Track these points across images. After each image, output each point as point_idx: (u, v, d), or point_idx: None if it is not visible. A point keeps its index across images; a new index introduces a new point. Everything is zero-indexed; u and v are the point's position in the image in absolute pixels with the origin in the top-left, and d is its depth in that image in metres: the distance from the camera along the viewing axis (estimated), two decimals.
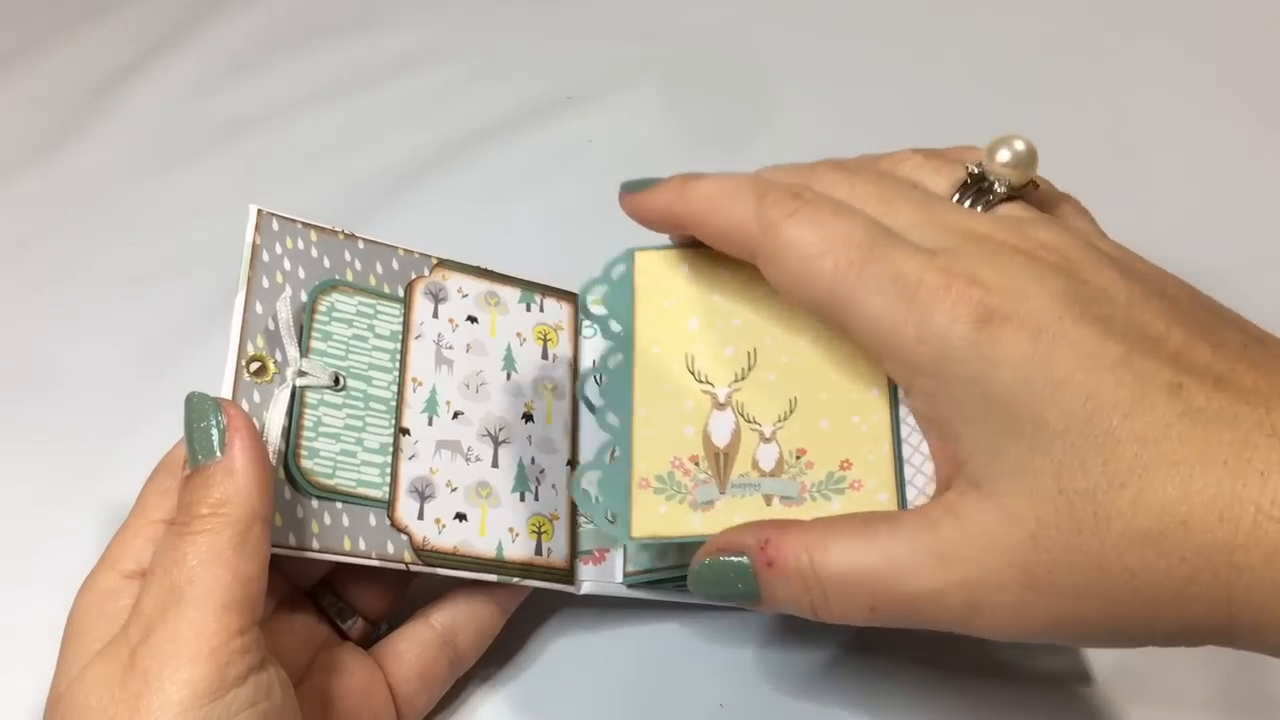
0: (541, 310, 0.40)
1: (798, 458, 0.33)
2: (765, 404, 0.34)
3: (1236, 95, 0.54)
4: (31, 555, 0.42)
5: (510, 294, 0.40)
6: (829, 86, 0.56)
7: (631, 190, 0.34)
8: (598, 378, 0.37)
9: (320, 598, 0.37)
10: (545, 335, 0.40)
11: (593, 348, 0.41)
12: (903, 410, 0.33)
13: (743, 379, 0.35)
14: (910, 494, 0.32)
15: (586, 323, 0.41)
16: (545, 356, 0.40)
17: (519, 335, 0.40)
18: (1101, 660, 0.39)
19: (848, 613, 0.29)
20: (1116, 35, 0.57)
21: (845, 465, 0.33)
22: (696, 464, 0.34)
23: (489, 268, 0.40)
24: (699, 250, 0.36)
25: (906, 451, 0.33)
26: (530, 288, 0.41)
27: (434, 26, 0.59)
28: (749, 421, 0.34)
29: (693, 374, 0.35)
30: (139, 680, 0.28)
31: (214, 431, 0.31)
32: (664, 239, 0.37)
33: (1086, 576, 0.26)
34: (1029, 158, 0.31)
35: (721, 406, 0.34)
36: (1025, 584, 0.27)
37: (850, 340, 0.30)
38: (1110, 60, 0.56)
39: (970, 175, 0.31)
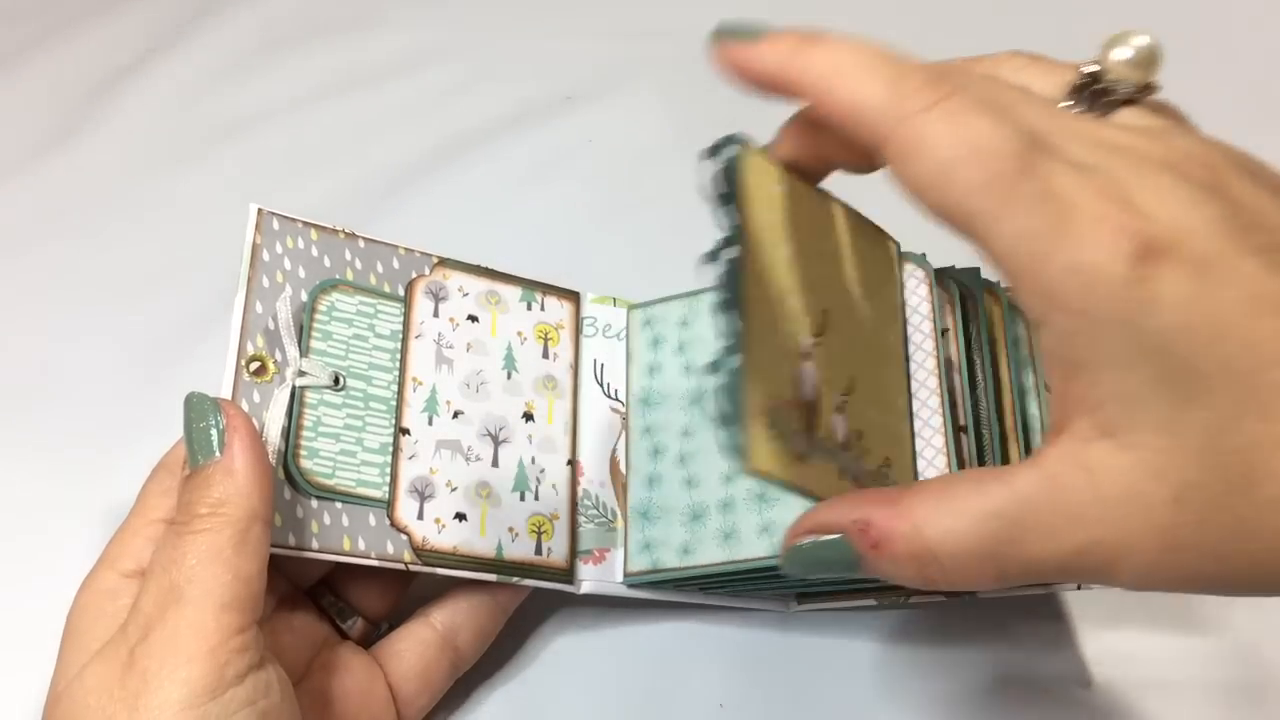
0: (542, 309, 0.40)
1: (859, 439, 0.30)
2: (835, 372, 0.30)
3: (1237, 96, 0.54)
4: (31, 555, 0.42)
5: (511, 293, 0.40)
6: None
7: (729, 37, 0.28)
8: (723, 266, 0.29)
9: (320, 597, 0.37)
10: (546, 334, 0.40)
11: (594, 347, 0.41)
12: (917, 423, 0.33)
13: (821, 335, 0.30)
14: None
15: (588, 321, 0.41)
16: (546, 356, 0.40)
17: (519, 334, 0.40)
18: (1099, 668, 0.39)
19: (974, 582, 0.26)
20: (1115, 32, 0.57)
21: (887, 463, 0.31)
22: (791, 411, 0.29)
23: (489, 267, 0.40)
24: (790, 176, 0.31)
25: (921, 465, 0.33)
26: (531, 286, 0.41)
27: (434, 26, 0.59)
28: (825, 384, 0.30)
29: (785, 312, 0.30)
30: (137, 679, 0.28)
31: (213, 432, 0.31)
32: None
33: (1234, 537, 0.24)
34: (1151, 55, 0.27)
35: (805, 356, 0.30)
36: (1164, 546, 0.24)
37: (989, 259, 0.25)
38: None
39: (1083, 77, 0.28)
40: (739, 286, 0.28)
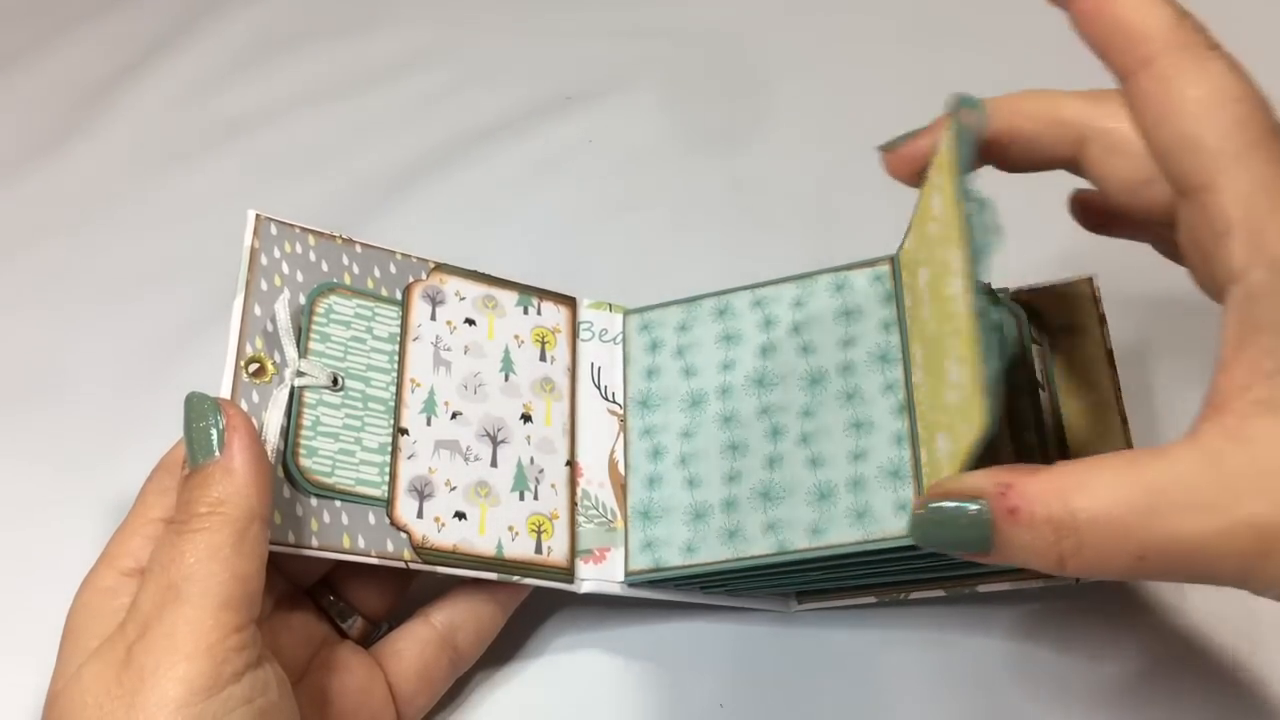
0: (539, 314, 0.40)
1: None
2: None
3: None
4: (32, 554, 0.42)
5: (508, 297, 0.40)
6: (829, 86, 0.56)
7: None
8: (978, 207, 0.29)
9: (320, 597, 0.37)
10: (543, 338, 0.40)
11: (591, 351, 0.41)
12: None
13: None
14: None
15: (584, 326, 0.41)
16: (543, 359, 0.40)
17: (517, 338, 0.40)
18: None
19: (1107, 562, 0.25)
20: None
21: None
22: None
23: (488, 269, 0.40)
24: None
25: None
26: (528, 291, 0.41)
27: (434, 27, 0.59)
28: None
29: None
30: (135, 677, 0.28)
31: (213, 431, 0.31)
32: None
33: None
34: None
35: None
36: None
37: (1203, 202, 0.25)
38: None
39: None
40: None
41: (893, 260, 0.37)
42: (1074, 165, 0.31)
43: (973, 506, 0.26)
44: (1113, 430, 0.35)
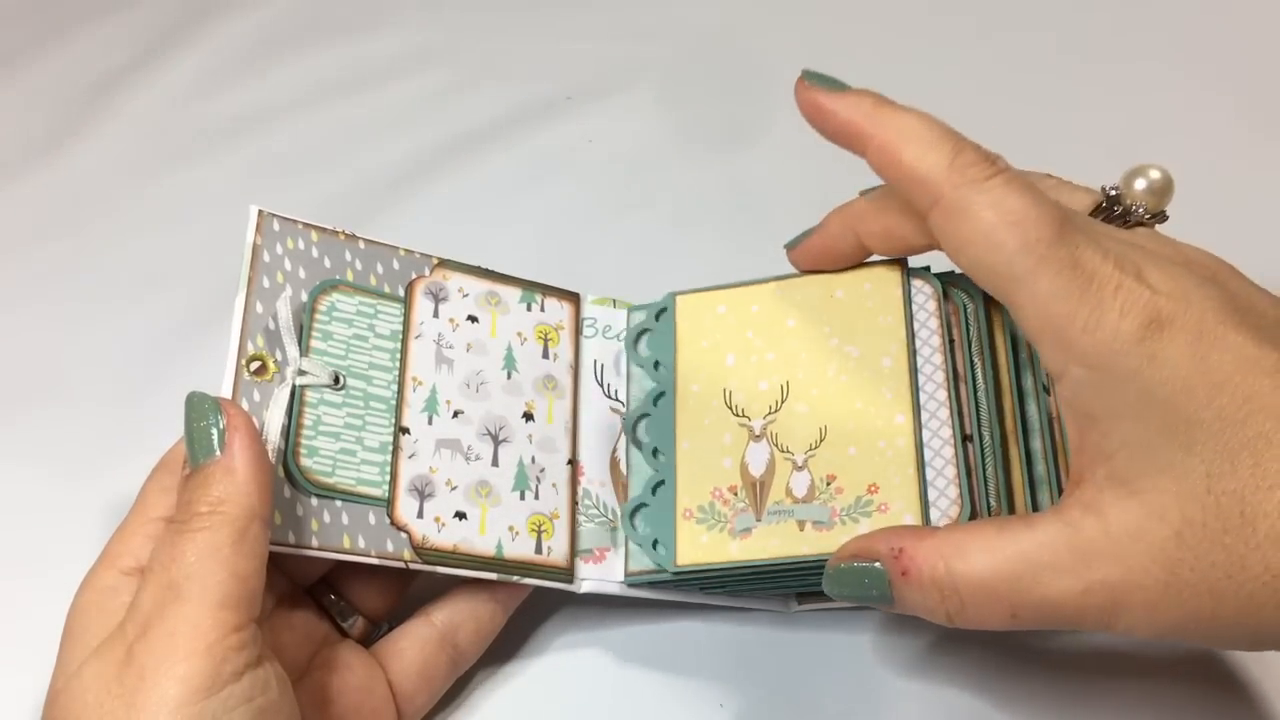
0: (542, 310, 0.40)
1: (828, 483, 0.35)
2: (797, 433, 0.36)
3: (1237, 98, 0.54)
4: (32, 553, 0.42)
5: (511, 294, 0.40)
6: None
7: (815, 83, 0.33)
8: (636, 420, 0.39)
9: (321, 596, 0.37)
10: (546, 335, 0.40)
11: (594, 348, 0.41)
12: (926, 434, 0.34)
13: (776, 410, 0.36)
14: (934, 515, 0.33)
15: (587, 322, 0.41)
16: (546, 356, 0.40)
17: (519, 335, 0.40)
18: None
19: (986, 619, 0.29)
20: (1117, 38, 0.57)
21: (872, 489, 0.34)
22: (735, 494, 0.36)
23: (489, 268, 0.40)
24: (734, 289, 0.38)
25: (930, 474, 0.34)
26: (531, 287, 0.41)
27: (433, 27, 0.59)
28: (782, 451, 0.36)
29: (730, 408, 0.37)
30: (135, 676, 0.28)
31: (214, 431, 0.31)
32: (700, 280, 0.39)
33: (1228, 575, 0.26)
34: (1165, 186, 0.32)
35: (757, 438, 0.36)
36: (1166, 582, 0.27)
37: (1015, 314, 0.29)
38: (1111, 63, 0.56)
39: (1107, 198, 0.32)
40: (664, 428, 0.37)
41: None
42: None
43: (875, 566, 0.30)
44: None
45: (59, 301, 0.49)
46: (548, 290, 0.41)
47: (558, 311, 0.41)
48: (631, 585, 0.38)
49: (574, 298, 0.41)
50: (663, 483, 0.37)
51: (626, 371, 0.40)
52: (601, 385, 0.40)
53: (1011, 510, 0.34)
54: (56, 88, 0.57)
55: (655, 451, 0.38)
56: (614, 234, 0.51)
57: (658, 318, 0.40)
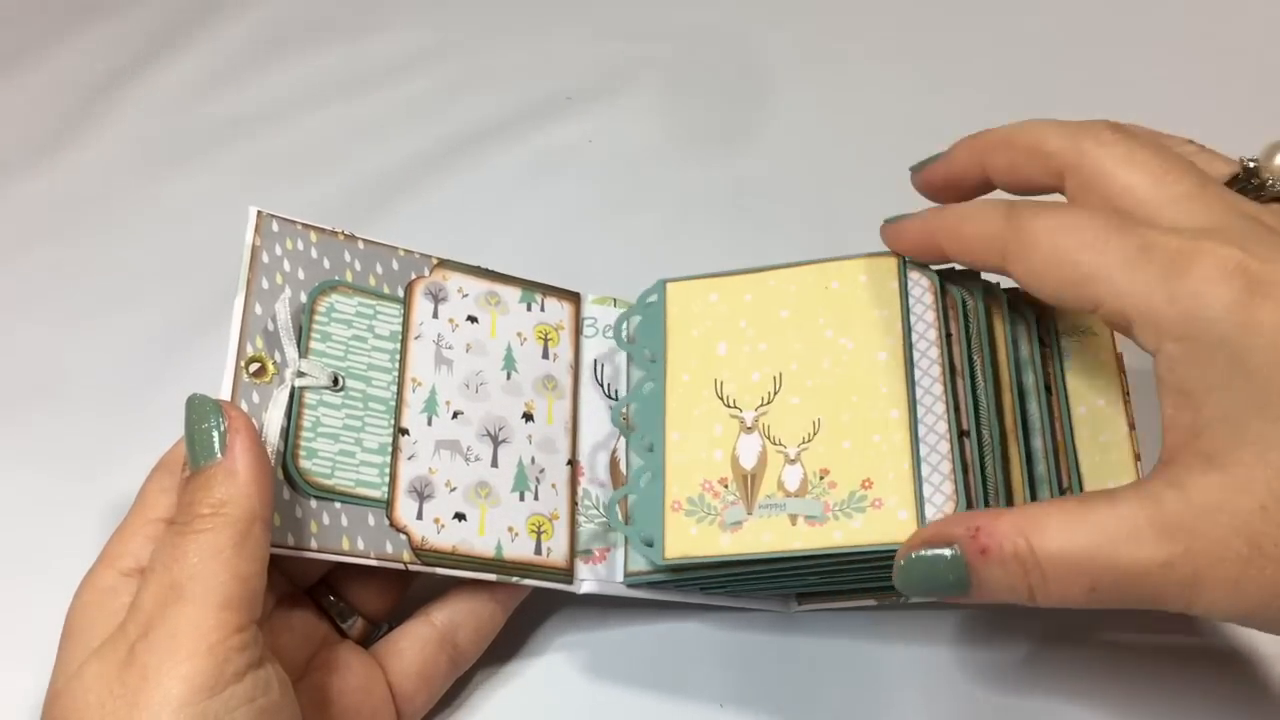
0: (542, 310, 0.40)
1: (821, 478, 0.34)
2: (790, 426, 0.35)
3: (1237, 97, 0.54)
4: (31, 555, 0.42)
5: (511, 294, 0.40)
6: (829, 86, 0.56)
7: (889, 223, 0.36)
8: (626, 408, 0.38)
9: (320, 597, 0.37)
10: (546, 335, 0.40)
11: (594, 347, 0.41)
12: (922, 429, 0.34)
13: (769, 403, 0.36)
14: (929, 511, 0.33)
15: (588, 321, 0.41)
16: (546, 356, 0.40)
17: (519, 335, 0.40)
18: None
19: (1067, 594, 0.28)
20: (1116, 35, 0.57)
21: (866, 484, 0.34)
22: (725, 486, 0.35)
23: (489, 267, 0.40)
24: (726, 278, 0.38)
25: (925, 470, 0.33)
26: (531, 287, 0.41)
27: (433, 27, 0.59)
28: (774, 444, 0.35)
29: (721, 399, 0.36)
30: (137, 675, 0.28)
31: (215, 433, 0.31)
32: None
33: None
34: None
35: (749, 430, 0.36)
36: (1249, 557, 0.26)
37: (1102, 320, 0.30)
38: (1110, 60, 0.56)
39: (1244, 169, 0.32)
40: (653, 419, 0.37)
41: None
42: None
43: (948, 552, 0.29)
44: (1119, 435, 0.36)
45: (59, 301, 0.49)
46: (548, 290, 0.41)
47: (558, 311, 0.41)
48: (631, 586, 0.38)
49: (574, 297, 0.41)
50: (651, 474, 0.36)
51: (627, 370, 0.40)
52: (602, 385, 0.40)
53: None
54: (56, 88, 0.56)
55: (644, 441, 0.37)
56: (614, 234, 0.51)
57: (648, 306, 0.39)
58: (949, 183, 0.35)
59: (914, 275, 0.36)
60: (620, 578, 0.38)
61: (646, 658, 0.40)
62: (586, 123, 0.55)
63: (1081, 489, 0.35)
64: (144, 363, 0.47)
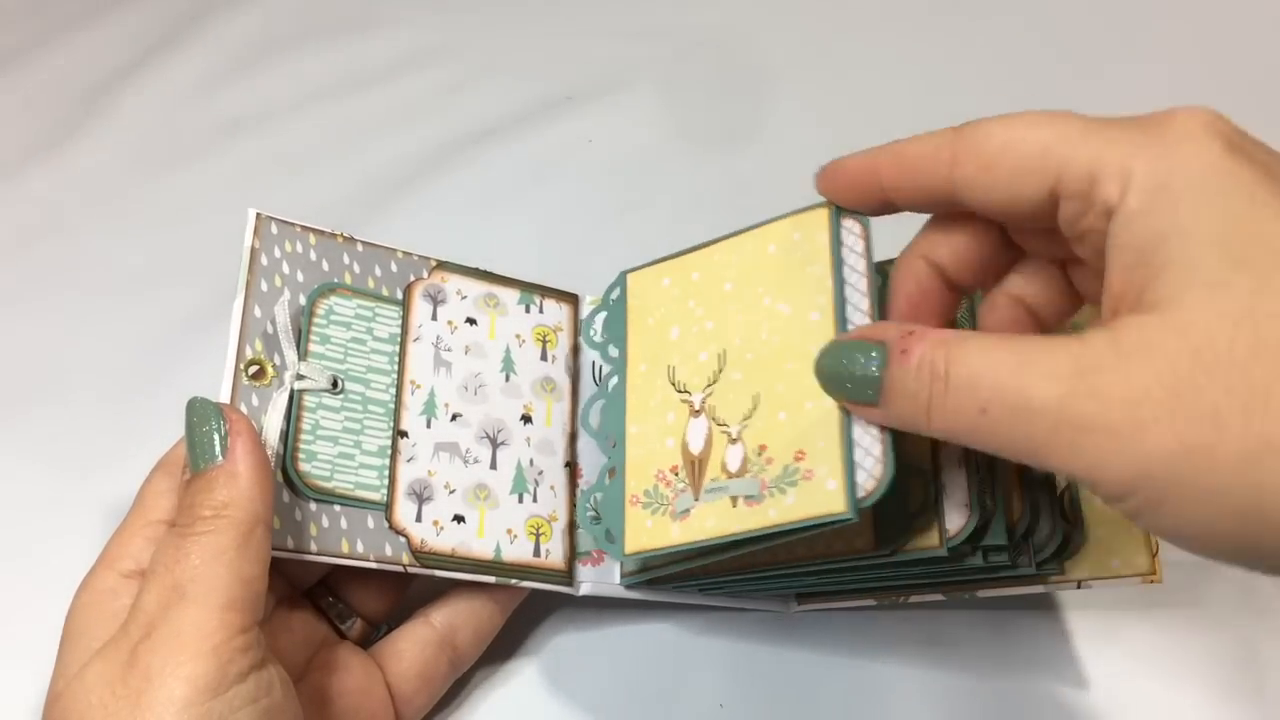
0: (541, 312, 0.40)
1: (760, 454, 0.32)
2: (733, 404, 0.34)
3: (1235, 94, 0.54)
4: (31, 555, 0.42)
5: (509, 295, 0.40)
6: (828, 86, 0.56)
7: (824, 168, 0.33)
8: (593, 406, 0.38)
9: (319, 599, 0.37)
10: (544, 337, 0.40)
11: (593, 349, 0.41)
12: None
13: (714, 382, 0.34)
14: (860, 477, 0.30)
15: (586, 323, 0.41)
16: (544, 358, 0.40)
17: (518, 337, 0.40)
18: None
19: (959, 411, 0.26)
20: (1115, 35, 0.57)
21: (799, 456, 0.31)
22: (676, 474, 0.34)
23: (488, 268, 0.40)
24: (677, 259, 0.37)
25: (856, 432, 0.31)
26: (530, 289, 0.41)
27: (433, 27, 0.59)
28: (719, 424, 0.34)
29: (674, 385, 0.35)
30: (140, 676, 0.28)
31: (215, 436, 0.31)
32: (650, 255, 0.38)
33: (1244, 409, 0.23)
34: None
35: (697, 413, 0.34)
36: (1163, 401, 0.23)
37: (1060, 196, 0.27)
38: (1108, 60, 0.56)
39: None
40: (616, 413, 0.36)
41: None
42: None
43: (874, 349, 0.28)
44: None
45: (59, 301, 0.49)
46: (546, 292, 0.41)
47: (556, 313, 0.41)
48: (630, 586, 0.38)
49: (572, 299, 0.41)
50: (616, 469, 0.35)
51: None
52: (600, 386, 0.40)
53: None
54: (56, 88, 0.57)
55: (608, 438, 0.36)
56: (614, 234, 0.51)
57: (613, 301, 0.38)
58: (850, 183, 0.32)
59: (846, 223, 0.33)
60: (618, 579, 0.38)
61: (646, 658, 0.40)
62: (586, 123, 0.55)
63: None
64: (143, 362, 0.47)
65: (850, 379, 0.29)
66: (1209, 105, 0.26)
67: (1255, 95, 0.54)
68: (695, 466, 0.34)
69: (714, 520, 0.32)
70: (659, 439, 0.35)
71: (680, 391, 0.35)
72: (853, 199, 0.32)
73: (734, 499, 0.32)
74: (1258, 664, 0.39)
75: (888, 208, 0.32)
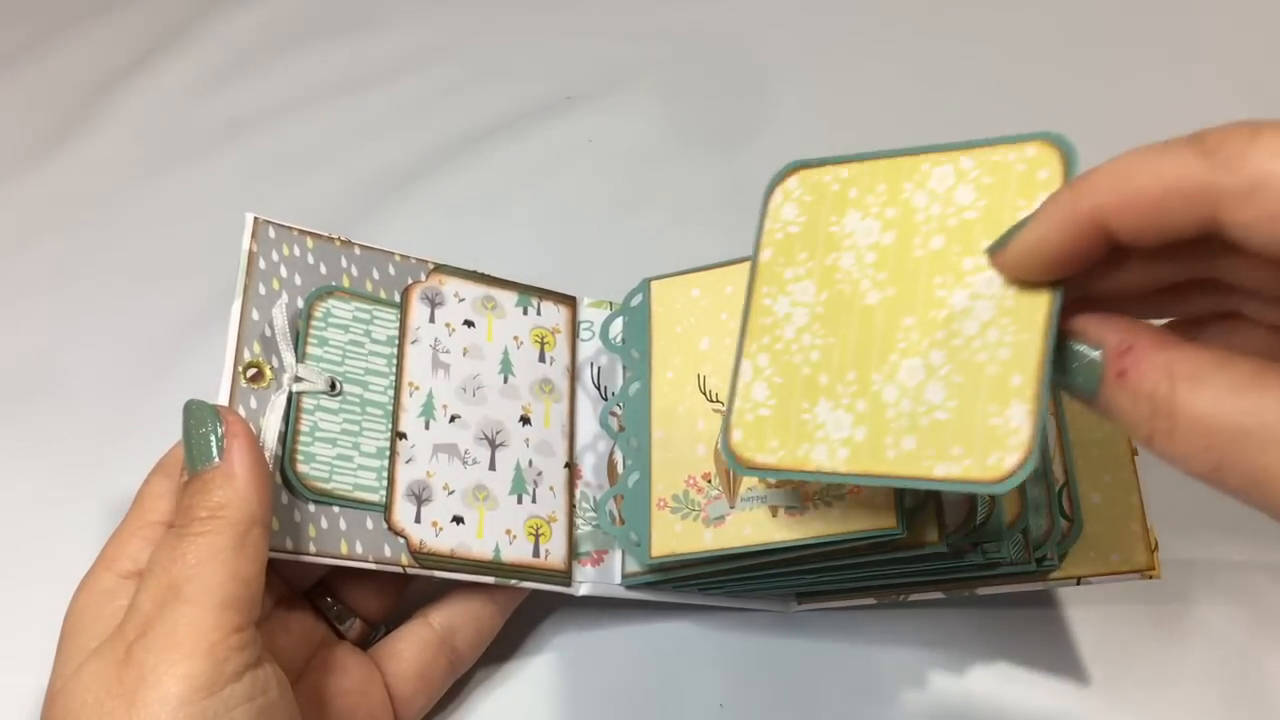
0: (539, 314, 0.40)
1: None
2: None
3: (1236, 95, 0.54)
4: (31, 555, 0.42)
5: (507, 298, 0.40)
6: (828, 86, 0.56)
7: (1000, 246, 0.28)
8: (619, 405, 0.38)
9: (318, 599, 0.37)
10: (542, 338, 0.40)
11: (590, 350, 0.41)
12: None
13: None
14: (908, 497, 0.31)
15: (584, 325, 0.41)
16: (542, 360, 0.40)
17: (516, 339, 0.40)
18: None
19: (1188, 460, 0.24)
20: (1113, 35, 0.57)
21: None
22: (709, 481, 0.35)
23: (488, 268, 0.40)
24: (708, 271, 0.37)
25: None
26: (527, 291, 0.41)
27: (434, 27, 0.59)
28: None
29: (704, 394, 0.36)
30: (136, 675, 0.28)
31: (212, 438, 0.31)
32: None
33: None
34: None
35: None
36: None
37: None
38: (1107, 59, 0.56)
39: None
40: (639, 417, 0.36)
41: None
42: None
43: (1091, 353, 0.26)
44: (1121, 455, 0.35)
45: (59, 301, 0.49)
46: (544, 294, 0.41)
47: (554, 315, 0.41)
48: (629, 587, 0.38)
49: (570, 301, 0.41)
50: (639, 473, 0.36)
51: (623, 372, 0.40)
52: (599, 388, 0.40)
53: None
54: (56, 88, 0.57)
55: (631, 441, 0.37)
56: (614, 234, 0.51)
57: (633, 306, 0.39)
58: (1050, 249, 0.26)
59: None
60: (618, 579, 0.38)
61: (645, 658, 0.40)
62: (586, 123, 0.55)
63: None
64: (144, 363, 0.47)
65: (1062, 380, 0.26)
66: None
67: (1255, 95, 0.54)
68: (731, 474, 0.35)
69: (752, 529, 0.34)
70: (689, 445, 0.36)
71: (712, 401, 0.36)
72: (1055, 264, 0.27)
73: (774, 509, 0.33)
74: (1255, 661, 0.39)
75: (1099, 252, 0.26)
